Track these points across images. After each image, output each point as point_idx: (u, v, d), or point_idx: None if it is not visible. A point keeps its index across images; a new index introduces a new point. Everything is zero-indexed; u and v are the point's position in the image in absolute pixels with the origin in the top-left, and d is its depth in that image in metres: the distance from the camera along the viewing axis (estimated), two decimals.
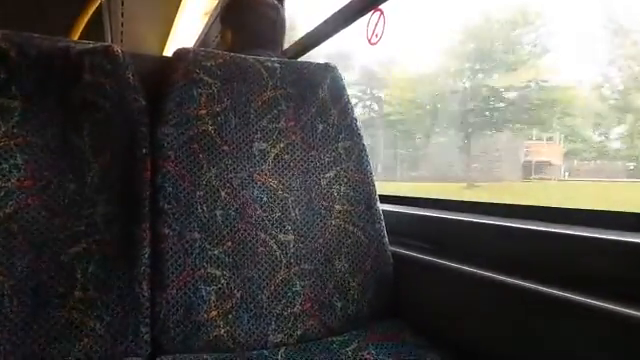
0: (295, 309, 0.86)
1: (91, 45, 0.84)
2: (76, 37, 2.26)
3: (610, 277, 0.62)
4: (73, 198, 0.77)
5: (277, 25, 1.12)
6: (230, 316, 0.81)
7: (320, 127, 0.97)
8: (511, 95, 1.81)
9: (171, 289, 0.79)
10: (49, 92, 0.79)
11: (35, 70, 0.78)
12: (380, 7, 1.23)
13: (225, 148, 0.88)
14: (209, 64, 0.91)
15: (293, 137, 0.95)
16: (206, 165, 0.86)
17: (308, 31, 1.65)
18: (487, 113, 1.97)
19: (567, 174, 1.78)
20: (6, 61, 0.77)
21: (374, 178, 1.00)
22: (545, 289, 0.65)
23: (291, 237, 0.89)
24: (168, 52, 2.93)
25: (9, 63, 0.77)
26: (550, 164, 1.85)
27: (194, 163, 0.85)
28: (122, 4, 2.28)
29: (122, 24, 2.50)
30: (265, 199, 0.89)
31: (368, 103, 2.64)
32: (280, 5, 1.16)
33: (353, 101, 1.04)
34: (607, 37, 1.31)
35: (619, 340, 0.56)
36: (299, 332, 0.86)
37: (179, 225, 0.82)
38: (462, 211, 0.99)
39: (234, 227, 0.85)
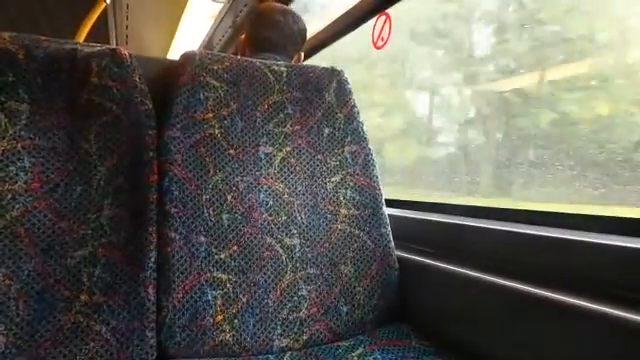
0: (301, 314, 0.86)
1: (98, 48, 0.84)
2: (81, 40, 2.26)
3: (613, 281, 0.62)
4: (80, 201, 0.77)
5: (286, 31, 1.12)
6: (236, 320, 0.81)
7: (326, 131, 0.97)
8: None
9: (177, 293, 0.79)
10: (56, 95, 0.79)
11: (42, 72, 0.79)
12: (386, 11, 1.23)
13: (231, 152, 0.88)
14: (216, 67, 0.91)
15: (299, 141, 0.95)
16: (212, 169, 0.86)
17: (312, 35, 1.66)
18: None
19: None
20: (14, 63, 0.77)
21: (380, 182, 1.00)
22: (551, 294, 0.65)
23: (297, 241, 0.89)
24: (172, 55, 2.93)
25: (17, 65, 0.77)
26: None
27: (200, 167, 0.85)
28: (127, 7, 2.29)
29: (127, 27, 2.51)
30: (271, 203, 0.89)
31: None
32: (291, 10, 1.16)
33: None
34: None
35: (619, 344, 0.56)
36: (305, 337, 0.85)
37: (185, 229, 0.82)
38: (468, 215, 0.98)
39: (240, 231, 0.85)
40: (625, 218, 0.71)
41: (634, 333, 0.54)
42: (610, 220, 0.73)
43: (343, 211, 0.94)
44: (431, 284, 0.91)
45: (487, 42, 1.27)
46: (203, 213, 0.83)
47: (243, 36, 1.18)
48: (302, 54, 1.20)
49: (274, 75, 0.96)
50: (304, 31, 1.17)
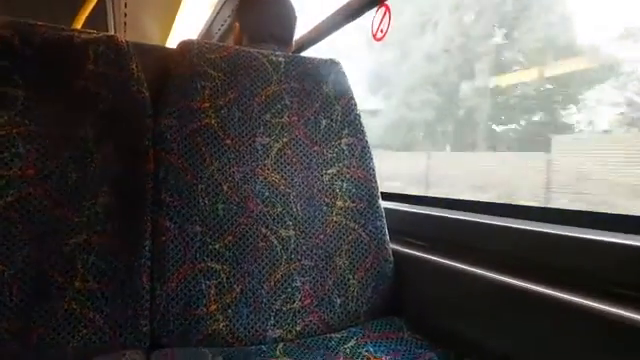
0: (294, 305, 0.86)
1: (95, 35, 0.83)
2: (79, 27, 2.24)
3: (610, 278, 0.62)
4: (75, 188, 0.77)
5: (284, 20, 1.12)
6: (229, 310, 0.81)
7: (323, 123, 0.97)
8: None
9: (171, 282, 0.79)
10: (52, 81, 0.79)
11: (39, 59, 0.78)
12: (386, 3, 1.22)
13: (228, 142, 0.88)
14: (213, 57, 0.90)
15: (296, 132, 0.94)
16: (208, 158, 0.86)
17: (314, 26, 1.65)
18: None
19: None
20: (9, 49, 0.76)
21: (376, 175, 1.00)
22: (544, 289, 0.65)
23: (292, 232, 0.89)
24: (170, 43, 2.91)
25: (12, 51, 0.76)
26: None
27: (197, 156, 0.85)
28: None
29: (125, 15, 2.49)
30: (267, 194, 0.89)
31: None
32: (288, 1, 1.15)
33: None
34: None
35: (616, 341, 0.57)
36: (298, 328, 0.85)
37: (180, 218, 0.81)
38: (463, 210, 0.99)
39: (235, 221, 0.85)
40: (627, 215, 0.72)
41: (631, 331, 0.54)
42: (608, 217, 0.74)
43: (339, 203, 0.94)
44: (425, 278, 0.91)
45: None
46: (198, 203, 0.83)
47: (237, 24, 1.16)
48: (293, 42, 1.19)
49: (272, 65, 0.95)
50: (296, 19, 1.16)
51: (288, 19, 1.13)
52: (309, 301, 0.87)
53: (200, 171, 0.85)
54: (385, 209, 1.00)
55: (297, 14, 1.17)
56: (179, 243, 0.81)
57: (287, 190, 0.91)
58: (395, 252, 0.98)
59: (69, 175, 0.77)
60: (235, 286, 0.83)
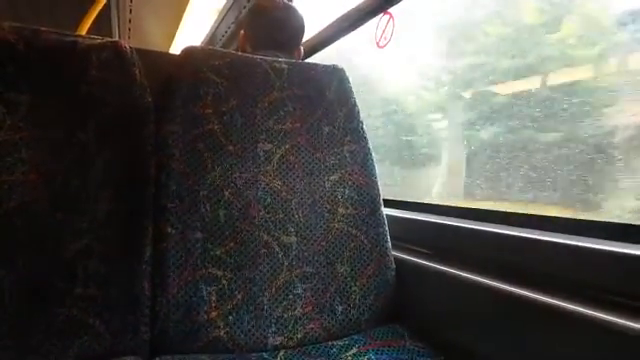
0: (296, 312, 0.86)
1: (99, 40, 0.84)
2: (83, 32, 2.26)
3: (611, 287, 0.62)
4: (76, 194, 0.77)
5: (291, 28, 1.12)
6: (230, 317, 0.81)
7: (326, 129, 0.97)
8: None
9: (172, 288, 0.78)
10: (56, 86, 0.79)
11: (43, 64, 0.78)
12: (389, 10, 1.23)
13: (230, 148, 0.88)
14: (216, 63, 0.91)
15: (298, 139, 0.94)
16: (211, 164, 0.86)
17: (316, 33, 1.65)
18: None
19: None
20: (14, 54, 0.76)
21: (378, 182, 1.00)
22: (544, 297, 0.65)
23: (294, 239, 0.89)
24: (174, 49, 2.93)
25: (17, 56, 0.77)
26: None
27: (199, 162, 0.85)
28: (130, 1, 2.28)
29: (130, 20, 2.51)
30: (269, 200, 0.89)
31: None
32: (292, 6, 1.16)
33: None
34: None
35: (611, 348, 0.57)
36: (299, 335, 0.85)
37: (182, 224, 0.81)
38: (465, 218, 0.98)
39: (237, 227, 0.85)
40: (625, 224, 0.71)
41: (627, 340, 0.54)
42: (610, 226, 0.73)
43: (341, 210, 0.94)
44: (427, 285, 0.90)
45: None
46: (200, 209, 0.83)
47: (242, 32, 1.17)
48: (302, 49, 1.19)
49: (275, 72, 0.95)
50: (303, 26, 1.16)
51: (295, 26, 1.14)
52: (310, 308, 0.87)
53: (202, 177, 0.85)
54: (387, 216, 0.99)
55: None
56: (180, 249, 0.80)
57: (289, 196, 0.91)
58: (397, 259, 0.97)
59: (71, 180, 0.77)
60: (236, 293, 0.82)
